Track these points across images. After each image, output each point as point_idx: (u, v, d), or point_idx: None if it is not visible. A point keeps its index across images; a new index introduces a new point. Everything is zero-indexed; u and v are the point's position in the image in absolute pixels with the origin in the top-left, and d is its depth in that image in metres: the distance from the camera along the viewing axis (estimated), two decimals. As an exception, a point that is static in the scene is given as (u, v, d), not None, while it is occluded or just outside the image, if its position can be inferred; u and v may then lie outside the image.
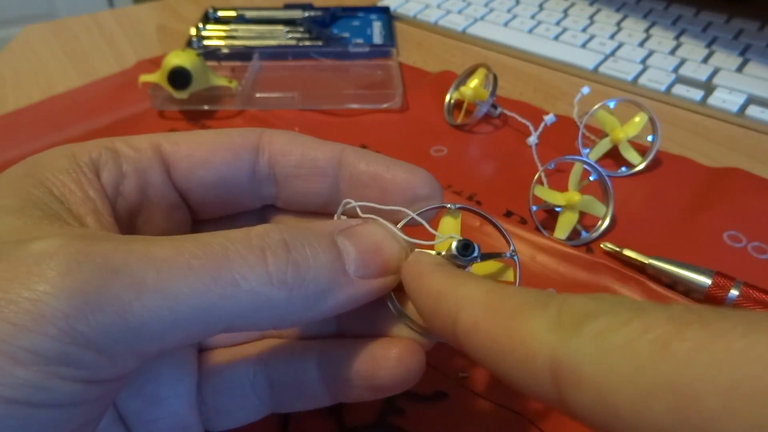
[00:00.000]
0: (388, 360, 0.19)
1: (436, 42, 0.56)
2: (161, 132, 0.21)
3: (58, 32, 0.57)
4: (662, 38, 0.52)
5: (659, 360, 0.10)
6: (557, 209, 0.33)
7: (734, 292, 0.28)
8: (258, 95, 0.45)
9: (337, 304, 0.17)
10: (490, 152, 0.41)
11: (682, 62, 0.49)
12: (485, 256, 0.20)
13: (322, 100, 0.45)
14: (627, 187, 0.37)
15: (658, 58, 0.50)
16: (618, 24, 0.55)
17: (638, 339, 0.11)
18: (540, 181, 0.35)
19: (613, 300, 0.13)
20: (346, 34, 0.55)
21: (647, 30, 0.54)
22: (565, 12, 0.58)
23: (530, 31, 0.55)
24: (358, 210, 0.19)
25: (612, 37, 0.53)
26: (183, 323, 0.14)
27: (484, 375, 0.26)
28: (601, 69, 0.49)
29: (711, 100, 0.45)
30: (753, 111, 0.43)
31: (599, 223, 0.33)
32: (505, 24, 0.56)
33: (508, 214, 0.35)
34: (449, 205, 0.21)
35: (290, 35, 0.54)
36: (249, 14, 0.58)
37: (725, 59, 0.49)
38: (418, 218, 0.19)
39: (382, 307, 0.19)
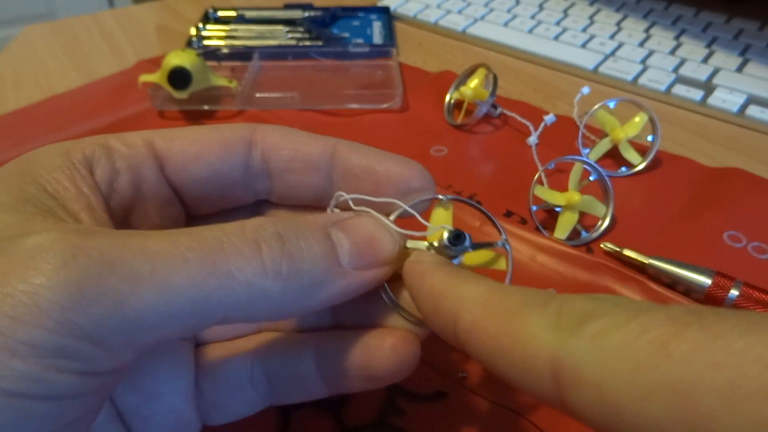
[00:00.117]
0: (383, 350, 0.19)
1: (436, 42, 0.56)
2: (161, 132, 0.21)
3: (58, 32, 0.57)
4: (662, 38, 0.52)
5: (658, 360, 0.10)
6: (557, 209, 0.33)
7: (734, 292, 0.28)
8: (258, 95, 0.45)
9: (331, 296, 0.17)
10: (490, 152, 0.41)
11: (682, 62, 0.49)
12: (477, 246, 0.20)
13: (322, 100, 0.45)
14: (627, 187, 0.37)
15: (658, 58, 0.50)
16: (618, 24, 0.55)
17: (637, 339, 0.11)
18: (540, 181, 0.35)
19: (612, 300, 0.13)
20: (346, 34, 0.55)
21: (647, 30, 0.54)
22: (565, 12, 0.58)
23: (530, 31, 0.55)
24: (350, 202, 0.20)
25: (612, 37, 0.53)
26: (179, 315, 0.14)
27: (483, 375, 0.26)
28: (601, 69, 0.49)
29: (711, 100, 0.45)
30: (753, 111, 0.43)
31: (599, 223, 0.33)
32: (505, 24, 0.56)
33: (508, 214, 0.35)
34: (441, 197, 0.21)
35: (290, 35, 0.54)
36: (249, 14, 0.58)
37: (725, 59, 0.49)
38: (410, 210, 0.20)
39: (377, 298, 0.20)
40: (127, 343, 0.14)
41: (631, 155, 0.38)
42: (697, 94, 0.45)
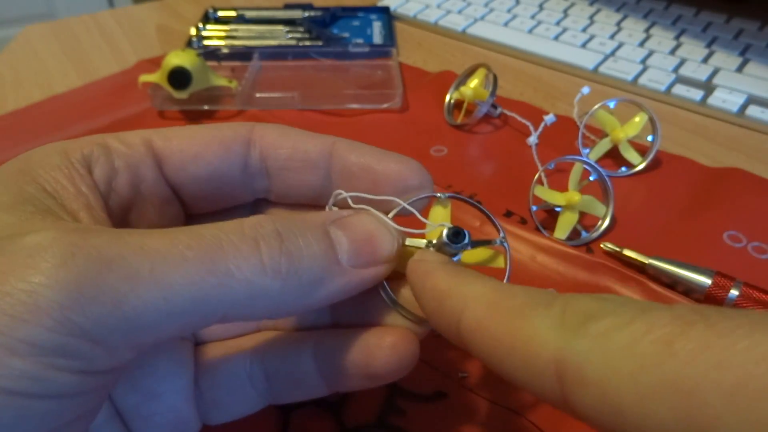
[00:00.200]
0: (382, 349, 0.19)
1: (436, 42, 0.56)
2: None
3: (58, 32, 0.57)
4: (662, 38, 0.52)
5: (663, 359, 0.10)
6: (557, 209, 0.33)
7: (734, 292, 0.28)
8: (258, 95, 0.45)
9: (330, 294, 0.17)
10: (490, 152, 0.41)
11: (682, 62, 0.49)
12: (475, 244, 0.20)
13: (322, 100, 0.45)
14: (627, 187, 0.37)
15: (658, 58, 0.50)
16: (618, 24, 0.55)
17: (642, 339, 0.11)
18: (540, 181, 0.35)
19: (617, 300, 0.13)
20: (346, 34, 0.55)
21: (647, 30, 0.54)
22: (565, 12, 0.58)
23: (530, 31, 0.55)
24: (349, 200, 0.20)
25: (612, 37, 0.53)
26: (178, 313, 0.14)
27: (483, 375, 0.26)
28: (601, 69, 0.49)
29: (711, 100, 0.45)
30: (753, 111, 0.43)
31: (599, 223, 0.33)
32: (505, 24, 0.56)
33: (508, 214, 0.35)
34: (439, 194, 0.21)
35: (290, 35, 0.54)
36: (249, 14, 0.58)
37: (725, 59, 0.49)
38: (409, 207, 0.20)
39: (376, 296, 0.20)
40: (126, 341, 0.14)
41: (631, 155, 0.38)
42: (697, 94, 0.45)
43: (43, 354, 0.13)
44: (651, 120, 0.38)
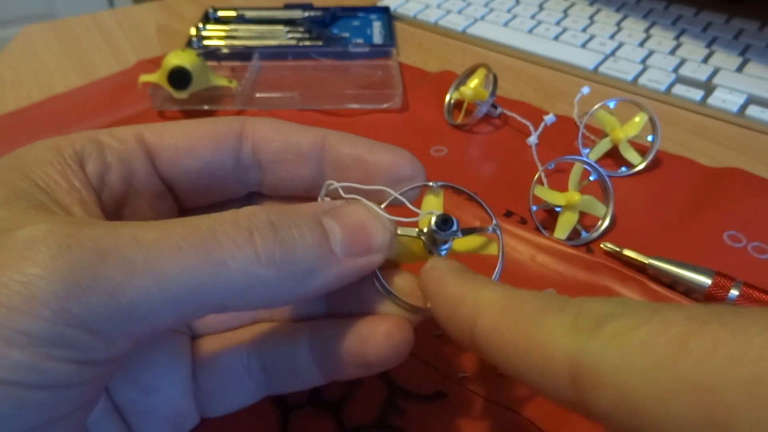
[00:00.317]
0: (376, 337, 0.19)
1: (436, 42, 0.56)
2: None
3: (58, 32, 0.57)
4: (662, 38, 0.52)
5: (678, 358, 0.10)
6: (557, 209, 0.33)
7: (734, 292, 0.28)
8: (258, 95, 0.45)
9: (325, 283, 0.17)
10: (490, 152, 0.41)
11: (682, 62, 0.49)
12: (466, 231, 0.20)
13: (322, 100, 0.45)
14: (627, 187, 0.37)
15: (658, 58, 0.50)
16: (618, 24, 0.55)
17: (656, 338, 0.11)
18: (540, 181, 0.35)
19: (630, 302, 0.13)
20: (346, 34, 0.55)
21: (647, 30, 0.54)
22: (565, 12, 0.58)
23: (530, 31, 0.55)
24: (340, 190, 0.20)
25: (612, 37, 0.53)
26: (174, 303, 0.14)
27: (483, 375, 0.26)
28: (601, 69, 0.49)
29: (711, 100, 0.45)
30: (753, 111, 0.43)
31: (599, 223, 0.33)
32: (505, 24, 0.56)
33: (508, 214, 0.35)
34: (431, 183, 0.21)
35: (290, 35, 0.54)
36: (249, 14, 0.58)
37: (725, 59, 0.49)
38: (399, 196, 0.20)
39: (370, 286, 0.20)
40: (122, 331, 0.14)
41: (631, 155, 0.38)
42: (697, 94, 0.45)
43: (40, 345, 0.13)
44: (651, 120, 0.38)
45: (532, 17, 0.57)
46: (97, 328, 0.13)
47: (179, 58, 0.41)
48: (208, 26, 0.55)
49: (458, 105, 0.44)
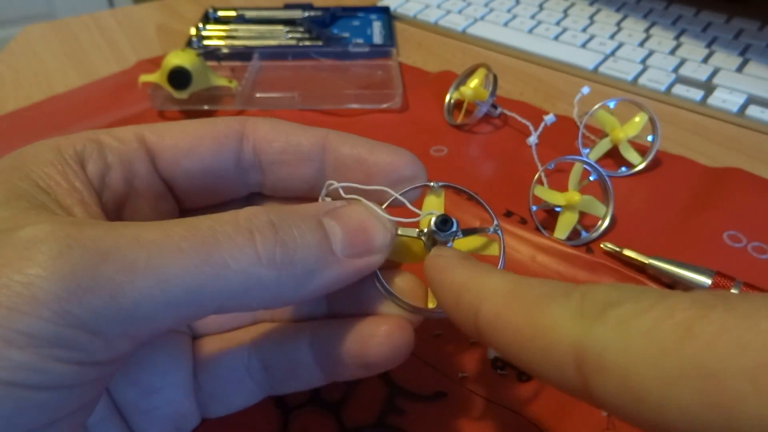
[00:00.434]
0: (377, 337, 0.19)
1: (436, 42, 0.56)
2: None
3: (58, 32, 0.57)
4: (662, 38, 0.52)
5: (684, 343, 0.10)
6: (557, 209, 0.33)
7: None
8: (258, 95, 0.45)
9: (325, 283, 0.17)
10: (490, 152, 0.41)
11: (682, 62, 0.49)
12: (467, 232, 0.20)
13: (322, 100, 0.45)
14: (627, 187, 0.37)
15: (658, 58, 0.50)
16: (618, 24, 0.55)
17: (662, 323, 0.11)
18: (540, 181, 0.35)
19: (635, 288, 0.13)
20: (346, 34, 0.55)
21: (647, 30, 0.54)
22: (565, 12, 0.58)
23: (530, 31, 0.55)
24: (340, 190, 0.20)
25: (612, 37, 0.53)
26: (175, 304, 0.14)
27: (484, 375, 0.26)
28: (601, 69, 0.49)
29: (711, 100, 0.45)
30: (753, 111, 0.43)
31: (599, 223, 0.33)
32: (505, 24, 0.56)
33: (508, 214, 0.35)
34: (432, 184, 0.21)
35: (290, 35, 0.54)
36: (249, 14, 0.58)
37: (725, 59, 0.49)
38: (399, 197, 0.20)
39: (370, 286, 0.20)
40: (123, 332, 0.14)
41: (631, 155, 0.38)
42: (697, 94, 0.45)
43: (41, 345, 0.13)
44: (651, 120, 0.38)
45: (532, 17, 0.57)
46: (98, 328, 0.13)
47: (179, 58, 0.41)
48: (208, 26, 0.55)
49: (458, 105, 0.44)
